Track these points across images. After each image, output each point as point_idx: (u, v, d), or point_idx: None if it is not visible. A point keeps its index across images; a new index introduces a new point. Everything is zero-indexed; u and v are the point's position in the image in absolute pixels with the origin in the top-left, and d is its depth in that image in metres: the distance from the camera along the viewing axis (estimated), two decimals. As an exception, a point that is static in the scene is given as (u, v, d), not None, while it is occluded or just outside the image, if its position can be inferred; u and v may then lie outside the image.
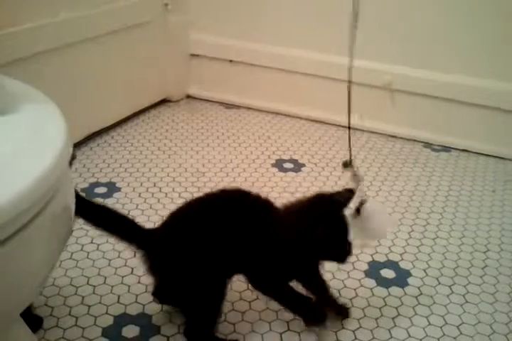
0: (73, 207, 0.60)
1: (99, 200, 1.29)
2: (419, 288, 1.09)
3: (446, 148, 1.68)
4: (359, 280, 1.09)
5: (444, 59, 1.59)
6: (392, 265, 1.15)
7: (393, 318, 1.01)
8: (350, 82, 0.76)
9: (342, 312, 1.00)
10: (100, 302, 0.99)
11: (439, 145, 1.69)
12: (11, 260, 0.47)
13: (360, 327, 0.98)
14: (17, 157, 0.49)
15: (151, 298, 1.00)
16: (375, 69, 1.65)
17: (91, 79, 1.49)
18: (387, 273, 1.12)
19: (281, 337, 0.95)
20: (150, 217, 1.25)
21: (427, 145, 1.70)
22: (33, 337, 0.77)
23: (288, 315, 0.98)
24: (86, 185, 1.36)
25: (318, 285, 0.98)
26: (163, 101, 1.88)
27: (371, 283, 1.09)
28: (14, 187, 0.44)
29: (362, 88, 1.70)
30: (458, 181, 1.50)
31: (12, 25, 1.20)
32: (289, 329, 0.96)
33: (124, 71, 1.62)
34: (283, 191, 1.39)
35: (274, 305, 1.01)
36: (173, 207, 1.26)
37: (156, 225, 0.93)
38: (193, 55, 1.88)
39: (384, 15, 1.59)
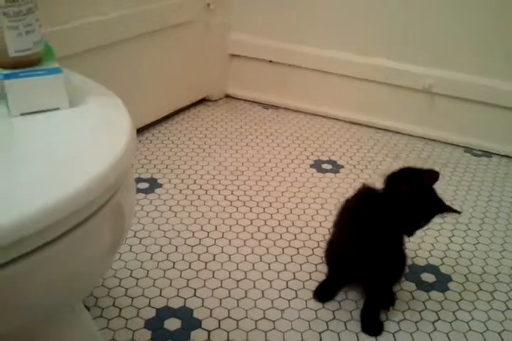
0: (133, 201, 0.62)
1: (141, 195, 1.32)
2: (459, 293, 1.08)
3: (488, 154, 1.66)
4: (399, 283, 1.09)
5: (485, 63, 1.57)
6: (432, 269, 1.14)
7: (433, 322, 1.00)
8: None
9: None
10: (143, 295, 1.01)
11: (480, 151, 1.67)
12: (85, 240, 0.49)
13: (400, 330, 0.98)
14: (87, 147, 0.51)
15: (192, 292, 1.02)
16: (416, 73, 1.64)
17: (133, 77, 1.51)
18: (428, 277, 1.12)
19: (320, 336, 0.95)
20: (191, 213, 1.26)
21: (468, 150, 1.68)
22: (92, 324, 0.78)
23: (327, 316, 0.99)
24: (128, 180, 1.38)
25: None
26: (203, 101, 1.89)
27: (411, 286, 1.09)
28: (88, 174, 0.45)
29: (402, 91, 1.70)
30: (499, 187, 1.48)
31: (65, 22, 1.24)
32: (328, 329, 0.97)
33: (165, 70, 1.64)
34: (321, 191, 1.39)
35: (313, 303, 1.02)
36: (213, 204, 1.30)
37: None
38: (232, 55, 1.90)
39: (425, 20, 1.58)
